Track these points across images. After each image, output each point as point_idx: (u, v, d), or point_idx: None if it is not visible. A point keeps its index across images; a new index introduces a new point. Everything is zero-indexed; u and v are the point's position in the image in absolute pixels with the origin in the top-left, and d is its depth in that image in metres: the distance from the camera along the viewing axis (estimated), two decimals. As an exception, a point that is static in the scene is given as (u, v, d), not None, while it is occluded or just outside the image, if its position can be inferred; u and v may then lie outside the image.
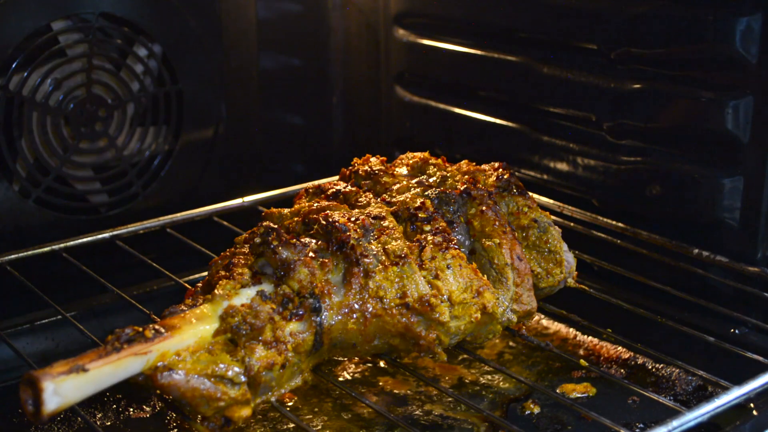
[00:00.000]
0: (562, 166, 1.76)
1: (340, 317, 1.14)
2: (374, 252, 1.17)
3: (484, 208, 1.30)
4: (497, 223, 1.28)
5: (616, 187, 1.68)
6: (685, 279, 1.56)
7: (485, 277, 1.24)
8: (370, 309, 1.15)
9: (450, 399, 1.38)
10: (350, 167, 1.45)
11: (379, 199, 1.31)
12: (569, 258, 1.37)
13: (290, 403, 1.38)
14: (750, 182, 1.48)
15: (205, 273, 1.64)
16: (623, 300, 1.45)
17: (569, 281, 1.38)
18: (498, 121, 1.88)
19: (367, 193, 1.32)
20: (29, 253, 1.51)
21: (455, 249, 1.22)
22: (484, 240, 1.27)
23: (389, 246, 1.18)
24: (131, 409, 1.38)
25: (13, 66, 1.62)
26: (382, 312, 1.15)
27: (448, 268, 1.19)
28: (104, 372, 0.95)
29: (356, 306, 1.15)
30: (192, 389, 1.01)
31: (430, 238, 1.22)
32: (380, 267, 1.16)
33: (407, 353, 1.23)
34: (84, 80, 1.70)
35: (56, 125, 1.69)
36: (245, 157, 2.01)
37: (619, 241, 1.62)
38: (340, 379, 1.46)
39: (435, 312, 1.16)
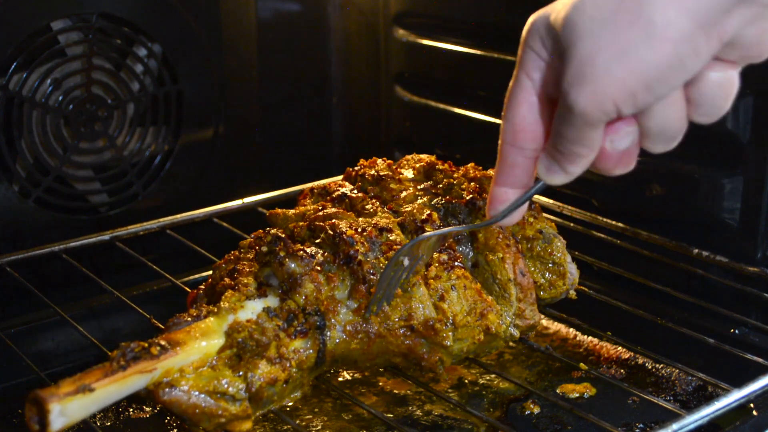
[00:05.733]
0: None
1: (344, 336, 1.13)
2: (382, 269, 1.16)
3: None
4: (501, 236, 1.27)
5: (616, 187, 1.68)
6: (685, 279, 1.56)
7: (489, 298, 1.23)
8: (375, 329, 1.14)
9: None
10: (356, 168, 1.43)
11: (386, 208, 1.30)
12: (572, 270, 1.36)
13: (290, 404, 1.38)
14: (750, 182, 1.48)
15: (206, 274, 1.64)
16: (623, 301, 1.45)
17: (571, 293, 1.37)
18: (498, 121, 1.87)
19: (374, 201, 1.31)
20: (29, 254, 1.52)
21: (460, 268, 1.21)
22: (487, 253, 1.26)
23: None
24: (131, 409, 1.38)
25: (13, 66, 1.62)
26: (386, 333, 1.15)
27: (452, 289, 1.18)
28: (109, 390, 0.95)
29: (360, 326, 1.14)
30: (193, 406, 1.01)
31: (436, 255, 1.21)
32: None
33: (408, 369, 1.23)
34: (84, 80, 1.70)
35: (56, 125, 1.69)
36: (245, 157, 2.01)
37: (619, 241, 1.62)
38: (340, 378, 1.46)
39: (439, 336, 1.16)
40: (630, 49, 0.80)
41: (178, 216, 1.67)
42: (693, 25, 0.78)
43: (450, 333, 1.16)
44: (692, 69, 0.81)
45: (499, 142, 0.96)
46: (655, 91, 0.82)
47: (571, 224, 1.66)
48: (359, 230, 1.19)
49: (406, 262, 1.13)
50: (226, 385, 1.03)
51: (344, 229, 1.18)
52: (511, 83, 0.94)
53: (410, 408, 1.38)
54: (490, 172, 1.40)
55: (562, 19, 0.84)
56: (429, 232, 1.17)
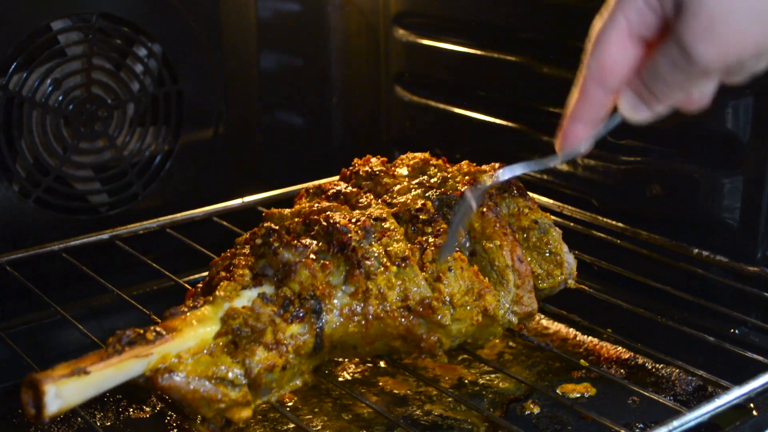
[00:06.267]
0: (562, 166, 1.76)
1: (341, 319, 1.13)
2: (375, 254, 1.16)
3: (484, 209, 1.29)
4: (498, 224, 1.28)
5: (616, 187, 1.68)
6: (686, 279, 1.56)
7: (486, 280, 1.23)
8: (372, 311, 1.14)
9: (450, 399, 1.38)
10: (351, 167, 1.44)
11: (380, 200, 1.31)
12: (570, 259, 1.36)
13: (290, 404, 1.38)
14: (750, 182, 1.48)
15: (205, 273, 1.64)
16: (623, 300, 1.45)
17: (569, 282, 1.38)
18: (498, 121, 1.88)
19: (368, 194, 1.32)
20: (28, 253, 1.51)
21: (456, 251, 1.22)
22: (484, 242, 1.27)
23: (391, 248, 1.18)
24: (131, 409, 1.38)
25: (13, 66, 1.62)
26: (384, 314, 1.15)
27: (449, 270, 1.19)
28: (105, 374, 0.95)
29: (357, 308, 1.14)
30: (192, 391, 1.01)
31: (431, 240, 1.21)
32: (382, 269, 1.16)
33: (408, 354, 1.23)
34: (84, 80, 1.70)
35: (56, 125, 1.69)
36: (245, 157, 2.01)
37: (619, 241, 1.62)
38: (340, 379, 1.46)
39: (436, 314, 1.16)
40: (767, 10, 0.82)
41: (178, 215, 1.67)
42: None
43: (447, 312, 1.17)
44: None
45: (580, 77, 0.97)
46: None
47: (571, 224, 1.66)
48: (353, 220, 1.20)
49: (474, 204, 1.17)
50: (225, 371, 1.03)
51: (338, 220, 1.19)
52: (603, 20, 0.94)
53: (410, 408, 1.38)
54: (485, 167, 1.41)
55: None
56: (493, 181, 1.18)
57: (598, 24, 0.94)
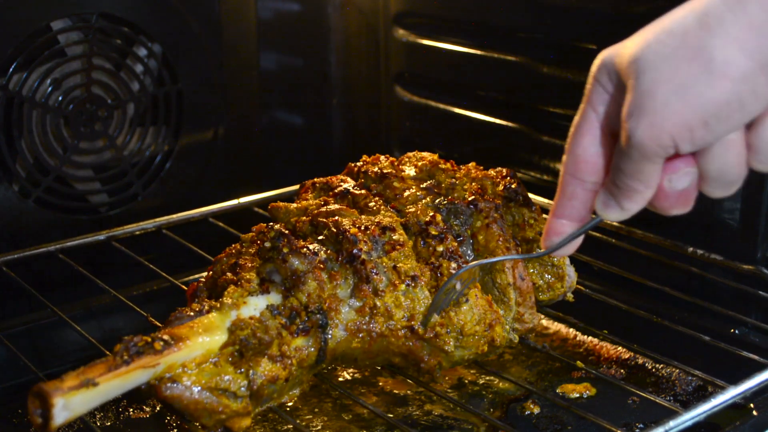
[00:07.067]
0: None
1: (345, 334, 1.13)
2: (384, 269, 1.15)
3: (489, 221, 1.28)
4: (501, 239, 1.26)
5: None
6: (684, 278, 1.56)
7: (499, 310, 1.22)
8: (376, 329, 1.14)
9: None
10: (358, 164, 1.42)
11: (389, 206, 1.30)
12: (571, 272, 1.35)
13: (290, 404, 1.38)
14: (750, 182, 1.47)
15: (203, 274, 1.65)
16: (620, 300, 1.45)
17: (568, 296, 1.37)
18: (498, 121, 1.88)
19: (377, 198, 1.30)
20: (25, 253, 1.51)
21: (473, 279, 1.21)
22: (487, 256, 1.26)
23: (400, 264, 1.17)
24: (131, 410, 1.38)
25: (13, 66, 1.62)
26: (388, 333, 1.14)
27: (466, 301, 1.18)
28: (113, 385, 0.95)
29: (363, 325, 1.14)
30: (195, 402, 1.01)
31: (445, 264, 1.20)
32: (390, 287, 1.15)
33: (407, 370, 1.23)
34: (84, 80, 1.70)
35: (56, 125, 1.69)
36: (245, 157, 2.01)
37: (614, 240, 1.62)
38: (340, 378, 1.46)
39: (440, 341, 1.15)
40: (689, 84, 0.81)
41: (174, 216, 1.67)
42: (754, 65, 0.79)
43: (451, 340, 1.16)
44: (751, 110, 0.82)
45: (560, 173, 0.97)
46: (712, 128, 0.82)
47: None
48: (362, 228, 1.19)
49: (458, 286, 1.16)
50: (228, 382, 1.03)
51: (348, 227, 1.18)
52: (576, 117, 0.94)
53: (410, 408, 1.38)
54: (491, 172, 1.40)
55: (629, 55, 0.85)
56: (481, 260, 1.18)
57: (574, 120, 0.95)
